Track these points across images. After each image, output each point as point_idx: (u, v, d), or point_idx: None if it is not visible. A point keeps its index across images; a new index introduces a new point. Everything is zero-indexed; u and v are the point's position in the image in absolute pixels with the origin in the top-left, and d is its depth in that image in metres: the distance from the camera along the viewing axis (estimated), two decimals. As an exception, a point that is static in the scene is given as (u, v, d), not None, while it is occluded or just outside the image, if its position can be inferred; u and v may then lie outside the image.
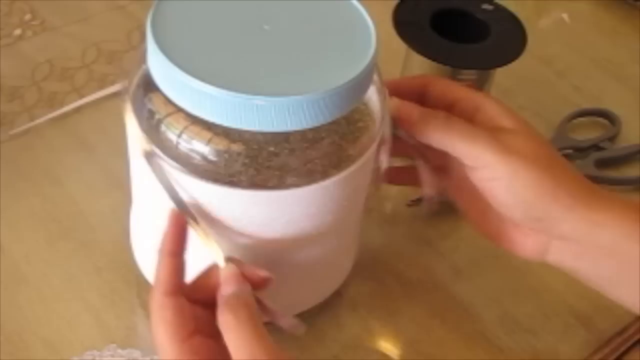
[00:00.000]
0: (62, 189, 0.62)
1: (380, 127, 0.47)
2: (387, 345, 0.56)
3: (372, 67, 0.43)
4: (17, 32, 0.76)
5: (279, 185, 0.44)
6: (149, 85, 0.44)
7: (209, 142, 0.43)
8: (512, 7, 0.66)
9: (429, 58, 0.62)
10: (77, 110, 0.68)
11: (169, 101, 0.42)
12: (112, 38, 0.76)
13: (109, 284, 0.57)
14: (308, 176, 0.44)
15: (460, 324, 0.58)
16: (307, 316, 0.50)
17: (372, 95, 0.46)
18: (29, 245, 0.58)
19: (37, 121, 0.67)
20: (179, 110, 0.42)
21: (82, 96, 0.69)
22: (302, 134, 0.43)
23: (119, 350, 0.51)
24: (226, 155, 0.43)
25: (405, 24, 0.62)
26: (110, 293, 0.56)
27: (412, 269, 0.61)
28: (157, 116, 0.44)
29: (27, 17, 0.77)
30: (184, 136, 0.43)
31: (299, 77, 0.41)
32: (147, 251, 0.54)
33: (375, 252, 0.61)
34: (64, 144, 0.66)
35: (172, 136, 0.44)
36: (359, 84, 0.43)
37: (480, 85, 0.66)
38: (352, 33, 0.45)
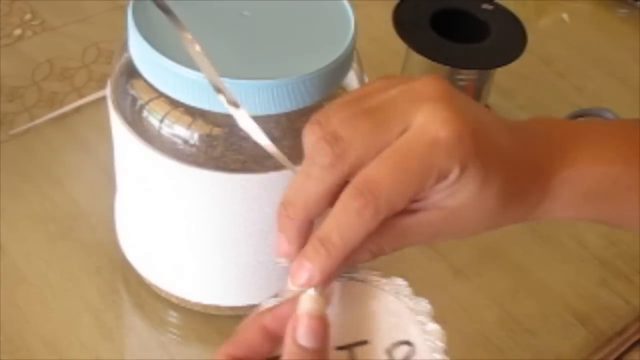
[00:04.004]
0: (62, 189, 0.62)
1: None
2: (387, 345, 0.56)
3: (351, 52, 0.44)
4: (17, 32, 0.76)
5: (262, 168, 0.44)
6: (131, 72, 0.45)
7: (190, 126, 0.43)
8: (512, 7, 0.66)
9: (429, 58, 0.62)
10: (77, 110, 0.68)
11: (150, 87, 0.43)
12: (112, 38, 0.76)
13: (109, 284, 0.56)
14: (291, 159, 0.44)
15: (460, 324, 0.58)
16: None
17: (352, 81, 0.47)
18: (29, 245, 0.58)
19: (37, 121, 0.67)
20: (161, 95, 0.43)
21: (82, 96, 0.69)
22: (286, 118, 0.44)
23: None
24: (208, 139, 0.44)
25: (405, 24, 0.63)
26: (110, 293, 0.56)
27: (412, 269, 0.61)
28: (139, 102, 0.45)
29: (27, 17, 0.77)
30: (166, 121, 0.44)
31: (279, 61, 0.42)
32: (130, 234, 0.54)
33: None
34: (64, 144, 0.66)
35: (154, 121, 0.44)
36: (338, 68, 0.43)
37: (480, 85, 0.66)
38: (331, 18, 0.46)
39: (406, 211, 0.36)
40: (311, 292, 0.35)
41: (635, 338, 0.59)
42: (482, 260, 0.62)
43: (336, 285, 0.37)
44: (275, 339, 0.35)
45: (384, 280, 0.37)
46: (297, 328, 0.34)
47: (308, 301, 0.34)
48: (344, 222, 0.34)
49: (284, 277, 0.52)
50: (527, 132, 0.39)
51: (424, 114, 0.34)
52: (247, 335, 0.36)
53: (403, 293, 0.37)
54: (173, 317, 0.56)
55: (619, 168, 0.39)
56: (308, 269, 0.35)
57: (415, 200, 0.36)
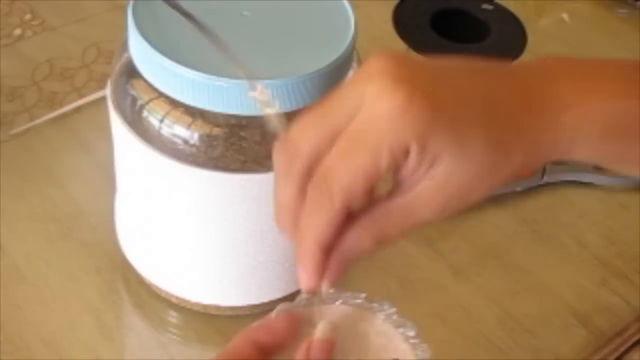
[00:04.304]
0: (62, 189, 0.62)
1: None
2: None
3: (351, 52, 0.44)
4: (17, 32, 0.76)
5: (262, 168, 0.44)
6: (131, 72, 0.45)
7: (190, 126, 0.44)
8: (512, 7, 0.66)
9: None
10: (77, 110, 0.68)
11: (150, 87, 0.43)
12: (112, 38, 0.76)
13: (109, 284, 0.56)
14: None
15: (460, 324, 0.58)
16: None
17: None
18: (29, 245, 0.58)
19: (37, 121, 0.67)
20: (161, 95, 0.43)
21: (82, 96, 0.69)
22: (286, 118, 0.43)
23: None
24: (208, 139, 0.44)
25: (405, 24, 0.63)
26: (110, 293, 0.56)
27: (412, 269, 0.61)
28: (139, 102, 0.45)
29: (27, 17, 0.77)
30: (166, 121, 0.44)
31: (279, 61, 0.42)
32: (130, 234, 0.54)
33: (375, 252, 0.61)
34: (64, 144, 0.66)
35: (154, 121, 0.44)
36: (338, 68, 0.43)
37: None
38: (331, 18, 0.46)
39: (399, 190, 0.35)
40: (326, 321, 0.37)
41: (635, 338, 0.58)
42: (482, 260, 0.62)
43: (326, 310, 0.38)
44: (265, 352, 0.36)
45: (372, 304, 0.38)
46: (312, 349, 0.36)
47: (324, 328, 0.37)
48: (310, 215, 0.34)
49: (283, 277, 0.52)
50: (517, 69, 0.37)
51: (369, 94, 0.33)
52: (238, 346, 0.36)
53: (390, 315, 0.38)
54: (173, 317, 0.56)
55: (634, 102, 0.36)
56: (301, 272, 0.35)
57: (401, 180, 0.34)
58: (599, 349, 0.57)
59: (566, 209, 0.67)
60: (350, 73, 0.46)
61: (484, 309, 0.59)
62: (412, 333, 0.37)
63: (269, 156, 0.44)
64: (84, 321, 0.54)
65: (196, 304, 0.54)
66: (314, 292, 0.37)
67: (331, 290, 0.37)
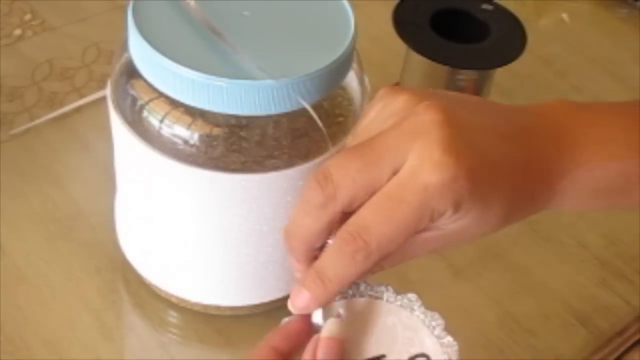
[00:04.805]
0: (62, 189, 0.62)
1: (360, 114, 0.48)
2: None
3: (351, 52, 0.44)
4: (17, 32, 0.76)
5: (262, 168, 0.44)
6: (131, 72, 0.45)
7: (190, 126, 0.44)
8: (512, 7, 0.66)
9: (429, 58, 0.62)
10: (77, 110, 0.68)
11: (150, 87, 0.43)
12: (112, 38, 0.76)
13: (109, 284, 0.56)
14: (291, 159, 0.44)
15: (460, 324, 0.57)
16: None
17: (352, 81, 0.47)
18: (29, 245, 0.58)
19: (37, 121, 0.67)
20: (161, 95, 0.43)
21: (82, 96, 0.69)
22: (286, 118, 0.44)
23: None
24: (208, 139, 0.44)
25: (405, 24, 0.63)
26: (110, 293, 0.56)
27: (412, 269, 0.61)
28: (139, 102, 0.45)
29: (27, 17, 0.77)
30: (166, 121, 0.44)
31: (279, 61, 0.42)
32: (130, 234, 0.55)
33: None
34: (64, 144, 0.66)
35: (154, 121, 0.44)
36: (338, 68, 0.43)
37: (480, 85, 0.66)
38: (331, 18, 0.46)
39: None
40: (334, 318, 0.37)
41: (635, 338, 0.59)
42: (482, 260, 0.62)
43: (354, 303, 0.38)
44: (286, 356, 0.37)
45: (397, 296, 0.38)
46: (318, 349, 0.36)
47: (330, 326, 0.37)
48: (339, 262, 0.35)
49: (283, 277, 0.52)
50: (531, 133, 0.38)
51: (415, 154, 0.34)
52: (259, 353, 0.37)
53: (416, 308, 0.38)
54: (173, 317, 0.56)
55: (631, 162, 0.38)
56: (305, 297, 0.36)
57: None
58: (599, 349, 0.57)
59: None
60: (351, 73, 0.46)
61: (484, 309, 0.59)
62: (439, 325, 0.38)
63: (269, 156, 0.44)
64: (84, 321, 0.54)
65: (196, 304, 0.54)
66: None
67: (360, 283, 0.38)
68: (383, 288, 0.39)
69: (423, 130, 0.34)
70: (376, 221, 0.34)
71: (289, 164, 0.44)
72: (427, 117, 0.34)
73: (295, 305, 0.37)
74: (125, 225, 0.55)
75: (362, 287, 0.39)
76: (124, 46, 0.45)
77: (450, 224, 0.36)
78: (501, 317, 0.58)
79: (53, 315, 0.54)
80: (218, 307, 0.54)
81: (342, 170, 0.35)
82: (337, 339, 0.37)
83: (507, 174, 0.36)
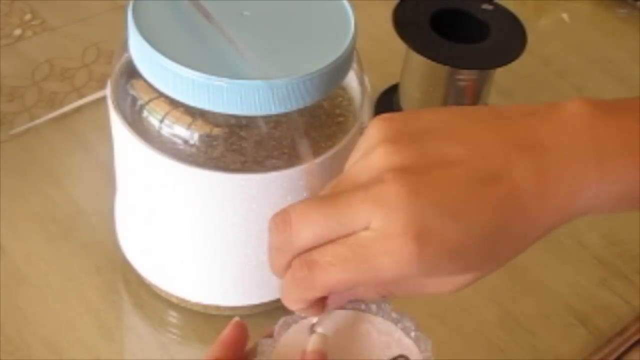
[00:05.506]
0: (62, 189, 0.62)
1: (360, 114, 0.48)
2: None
3: (351, 52, 0.44)
4: (17, 32, 0.76)
5: (262, 168, 0.44)
6: (131, 72, 0.45)
7: (190, 126, 0.44)
8: (512, 7, 0.66)
9: (429, 58, 0.62)
10: (77, 110, 0.68)
11: (150, 87, 0.43)
12: (112, 38, 0.76)
13: (109, 284, 0.56)
14: (291, 159, 0.44)
15: (460, 324, 0.58)
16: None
17: (352, 81, 0.47)
18: (29, 245, 0.58)
19: (37, 121, 0.67)
20: (161, 95, 0.43)
21: (82, 96, 0.69)
22: (286, 117, 0.44)
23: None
24: (208, 139, 0.44)
25: (405, 24, 0.63)
26: (110, 293, 0.56)
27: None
28: (139, 102, 0.45)
29: (27, 17, 0.77)
30: (166, 121, 0.44)
31: (279, 61, 0.42)
32: (130, 234, 0.55)
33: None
34: (64, 144, 0.66)
35: (154, 121, 0.44)
36: (338, 68, 0.43)
37: (480, 85, 0.66)
38: (331, 18, 0.46)
39: None
40: (319, 333, 0.39)
41: (635, 338, 0.59)
42: (482, 260, 0.62)
43: (333, 316, 0.39)
44: None
45: (370, 305, 0.40)
46: None
47: (316, 341, 0.38)
48: (289, 287, 0.37)
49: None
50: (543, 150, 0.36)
51: (376, 223, 0.33)
52: None
53: (388, 312, 0.39)
54: (173, 317, 0.56)
55: None
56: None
57: None
58: (599, 349, 0.57)
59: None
60: (351, 73, 0.46)
61: (484, 309, 0.59)
62: (411, 327, 0.39)
63: (268, 156, 0.44)
64: (84, 321, 0.54)
65: (196, 304, 0.54)
66: None
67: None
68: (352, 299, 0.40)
69: (386, 202, 0.33)
70: (327, 263, 0.34)
71: (289, 164, 0.44)
72: (393, 189, 0.33)
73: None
74: (125, 225, 0.55)
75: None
76: (124, 46, 0.45)
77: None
78: (501, 317, 0.58)
79: (53, 315, 0.54)
80: (218, 307, 0.54)
81: (303, 220, 0.35)
82: (323, 353, 0.38)
83: (480, 238, 0.35)
